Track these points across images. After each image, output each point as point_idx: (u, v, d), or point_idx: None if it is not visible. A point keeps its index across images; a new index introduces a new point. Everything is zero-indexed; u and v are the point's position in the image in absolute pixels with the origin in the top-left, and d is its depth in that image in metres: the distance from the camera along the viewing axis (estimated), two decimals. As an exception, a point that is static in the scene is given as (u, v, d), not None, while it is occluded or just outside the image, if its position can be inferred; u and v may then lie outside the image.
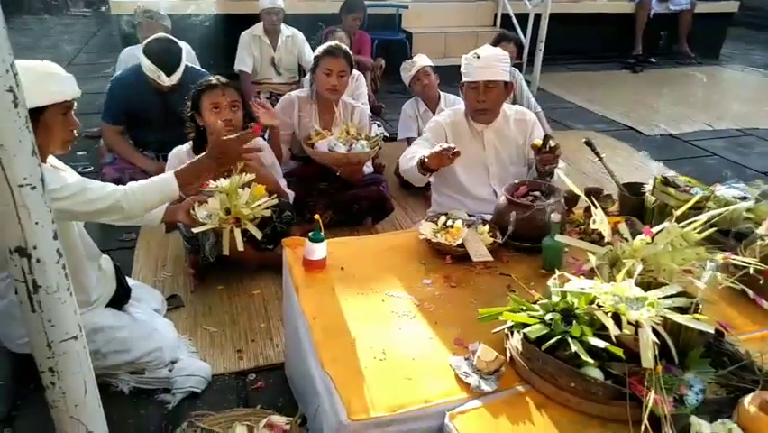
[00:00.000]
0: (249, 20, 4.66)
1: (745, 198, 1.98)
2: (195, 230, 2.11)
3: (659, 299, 1.30)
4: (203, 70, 3.41)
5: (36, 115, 1.56)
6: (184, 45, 3.47)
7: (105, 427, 1.17)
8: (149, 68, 3.04)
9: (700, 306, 1.34)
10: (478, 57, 2.26)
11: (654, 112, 5.27)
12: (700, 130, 4.87)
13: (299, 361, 1.68)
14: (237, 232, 2.11)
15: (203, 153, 1.83)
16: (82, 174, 1.95)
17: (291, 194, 2.67)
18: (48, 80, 1.60)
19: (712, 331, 1.27)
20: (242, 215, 2.11)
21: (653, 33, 6.96)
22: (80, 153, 3.75)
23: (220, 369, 2.05)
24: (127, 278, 2.16)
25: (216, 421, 1.62)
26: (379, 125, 4.11)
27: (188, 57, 3.50)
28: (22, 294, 0.93)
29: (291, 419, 1.60)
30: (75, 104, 1.69)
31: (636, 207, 2.01)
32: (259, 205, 2.17)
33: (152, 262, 2.70)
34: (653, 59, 6.93)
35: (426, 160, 2.06)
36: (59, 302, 0.96)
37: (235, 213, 2.11)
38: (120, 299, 2.02)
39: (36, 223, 0.88)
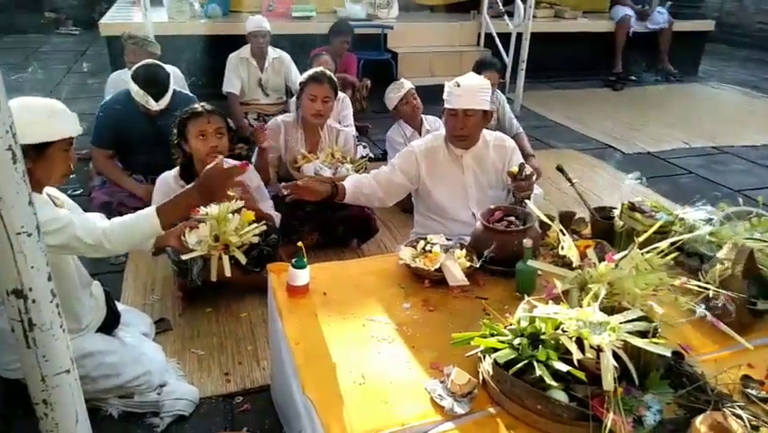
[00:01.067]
0: (236, 42, 4.76)
1: (710, 221, 2.08)
2: (184, 257, 2.18)
3: (620, 323, 1.38)
4: (191, 95, 3.49)
5: (42, 150, 1.65)
6: (172, 69, 3.54)
7: (96, 453, 1.23)
8: (137, 93, 3.11)
9: (659, 329, 1.42)
10: (458, 86, 2.35)
11: (634, 130, 5.39)
12: (678, 148, 4.99)
13: (283, 384, 1.74)
14: (225, 258, 2.18)
15: (189, 186, 1.77)
16: (72, 197, 2.02)
17: (278, 216, 2.73)
18: (54, 118, 1.70)
19: (669, 354, 1.35)
20: (230, 242, 2.18)
21: (633, 51, 7.14)
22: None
23: (207, 392, 2.10)
24: (116, 303, 2.21)
25: (203, 444, 1.68)
26: (364, 146, 4.21)
27: (176, 81, 3.57)
28: (19, 332, 0.99)
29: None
30: (74, 140, 1.77)
31: (607, 231, 2.10)
32: (248, 231, 2.25)
33: (141, 285, 2.75)
34: (633, 77, 7.11)
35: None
36: (52, 339, 1.02)
37: (224, 240, 2.18)
38: (110, 324, 2.07)
39: (32, 267, 0.95)
